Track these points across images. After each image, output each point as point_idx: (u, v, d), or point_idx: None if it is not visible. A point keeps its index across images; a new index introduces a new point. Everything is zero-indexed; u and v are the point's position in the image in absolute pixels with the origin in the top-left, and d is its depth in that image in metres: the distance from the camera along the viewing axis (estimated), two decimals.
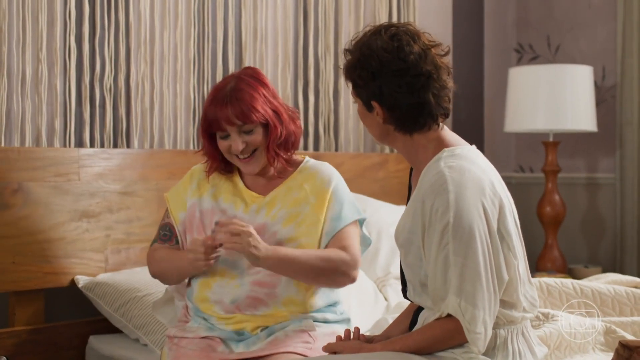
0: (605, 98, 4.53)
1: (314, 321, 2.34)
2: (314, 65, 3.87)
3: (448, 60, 1.99)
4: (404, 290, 2.08)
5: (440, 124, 2.00)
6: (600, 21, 4.56)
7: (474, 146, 2.04)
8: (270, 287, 2.32)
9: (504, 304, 1.94)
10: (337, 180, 2.42)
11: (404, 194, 3.95)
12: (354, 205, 2.41)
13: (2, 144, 2.92)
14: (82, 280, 2.95)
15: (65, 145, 3.08)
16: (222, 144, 2.37)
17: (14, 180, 2.82)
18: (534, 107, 4.14)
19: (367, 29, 2.01)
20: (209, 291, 2.35)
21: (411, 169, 2.15)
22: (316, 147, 3.89)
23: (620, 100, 4.40)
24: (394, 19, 4.15)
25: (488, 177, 1.95)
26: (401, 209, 3.69)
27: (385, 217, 3.51)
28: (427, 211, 1.89)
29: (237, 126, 2.32)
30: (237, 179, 2.45)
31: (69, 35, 3.08)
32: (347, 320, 2.45)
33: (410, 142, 2.01)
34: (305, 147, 3.81)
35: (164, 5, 3.36)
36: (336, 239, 2.35)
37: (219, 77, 3.51)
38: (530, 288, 2.02)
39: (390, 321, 2.57)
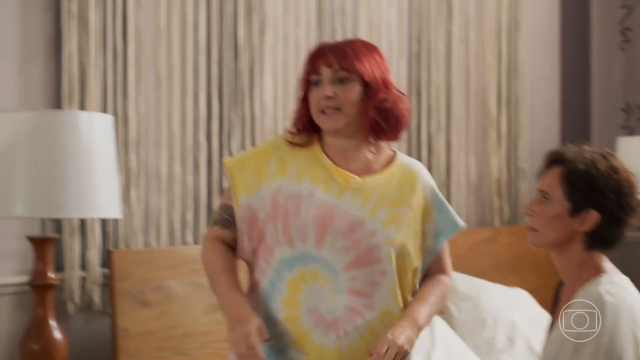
0: None
1: None
2: None
3: None
4: None
5: None
6: None
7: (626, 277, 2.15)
8: (367, 297, 2.11)
9: None
10: (434, 186, 2.24)
11: (515, 266, 3.97)
12: (452, 214, 2.24)
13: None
14: None
15: (196, 240, 3.24)
16: (313, 95, 2.12)
17: (155, 280, 3.02)
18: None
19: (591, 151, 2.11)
20: (301, 295, 2.10)
21: (558, 285, 2.23)
22: None
23: None
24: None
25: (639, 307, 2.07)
26: (514, 290, 3.72)
27: (501, 301, 3.55)
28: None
29: (333, 70, 2.09)
30: (320, 154, 2.17)
31: (198, 132, 3.26)
32: None
33: (582, 257, 2.09)
34: None
35: (286, 95, 3.48)
36: (437, 257, 2.24)
37: None
38: None
39: None
